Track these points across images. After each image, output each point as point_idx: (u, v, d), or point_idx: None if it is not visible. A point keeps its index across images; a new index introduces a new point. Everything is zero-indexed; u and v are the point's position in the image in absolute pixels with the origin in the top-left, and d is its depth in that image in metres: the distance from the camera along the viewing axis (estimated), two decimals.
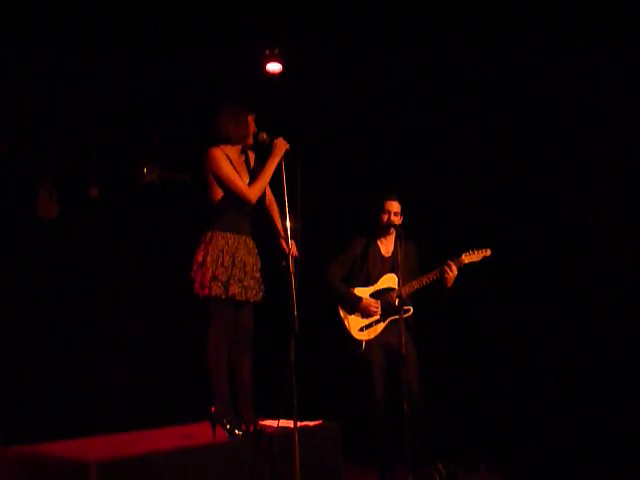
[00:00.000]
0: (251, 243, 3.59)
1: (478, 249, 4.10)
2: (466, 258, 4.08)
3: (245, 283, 3.46)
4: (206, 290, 3.38)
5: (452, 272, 4.03)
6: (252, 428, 3.38)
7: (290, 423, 3.14)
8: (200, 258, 3.44)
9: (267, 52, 5.13)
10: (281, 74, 5.21)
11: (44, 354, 4.89)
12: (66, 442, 3.27)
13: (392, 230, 4.20)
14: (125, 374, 5.36)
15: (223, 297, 3.39)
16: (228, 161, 3.50)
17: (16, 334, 4.76)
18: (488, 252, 4.10)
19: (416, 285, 4.08)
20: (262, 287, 3.60)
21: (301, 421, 3.28)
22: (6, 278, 4.74)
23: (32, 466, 2.93)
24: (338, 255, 4.25)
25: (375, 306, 4.09)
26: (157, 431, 3.68)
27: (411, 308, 4.12)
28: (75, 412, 4.78)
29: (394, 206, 4.20)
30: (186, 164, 5.38)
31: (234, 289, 3.40)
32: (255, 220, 3.68)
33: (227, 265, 3.40)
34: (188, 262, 3.60)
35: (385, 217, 4.18)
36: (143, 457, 2.89)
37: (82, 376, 5.04)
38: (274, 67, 5.19)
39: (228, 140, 3.55)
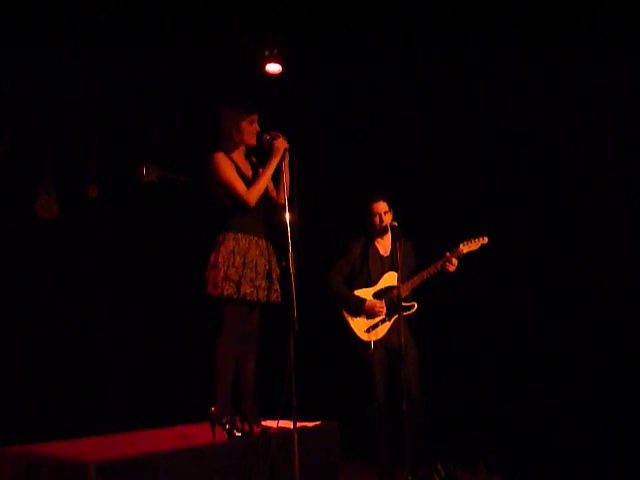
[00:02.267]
0: (263, 244, 3.57)
1: (475, 238, 4.09)
2: (464, 248, 4.07)
3: (257, 283, 3.46)
4: (219, 290, 3.38)
5: (453, 264, 4.03)
6: (254, 428, 3.40)
7: (289, 423, 3.15)
8: (212, 259, 3.46)
9: (267, 52, 5.13)
10: (281, 74, 5.21)
11: (44, 354, 4.89)
12: (66, 442, 3.27)
13: (388, 230, 4.20)
14: (125, 374, 5.36)
15: (235, 297, 3.39)
16: (230, 165, 3.51)
17: (16, 334, 4.76)
18: (485, 240, 4.09)
19: (417, 280, 4.08)
20: (276, 288, 3.57)
21: (300, 421, 3.28)
22: (5, 277, 4.74)
23: (31, 466, 2.93)
24: (337, 260, 4.24)
25: (380, 306, 4.08)
26: (157, 431, 3.69)
27: (415, 304, 4.11)
28: (75, 412, 4.78)
29: (381, 207, 4.20)
30: (185, 164, 5.39)
31: (245, 289, 3.40)
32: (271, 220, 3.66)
33: (238, 265, 3.40)
34: (187, 262, 3.60)
35: (377, 219, 4.19)
36: (143, 457, 2.89)
37: (82, 376, 5.04)
38: (274, 67, 5.18)
39: (230, 144, 3.56)
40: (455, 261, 4.04)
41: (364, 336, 4.09)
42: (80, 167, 5.20)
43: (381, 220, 4.18)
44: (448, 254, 4.05)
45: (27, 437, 3.34)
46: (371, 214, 4.21)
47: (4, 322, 4.69)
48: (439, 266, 4.05)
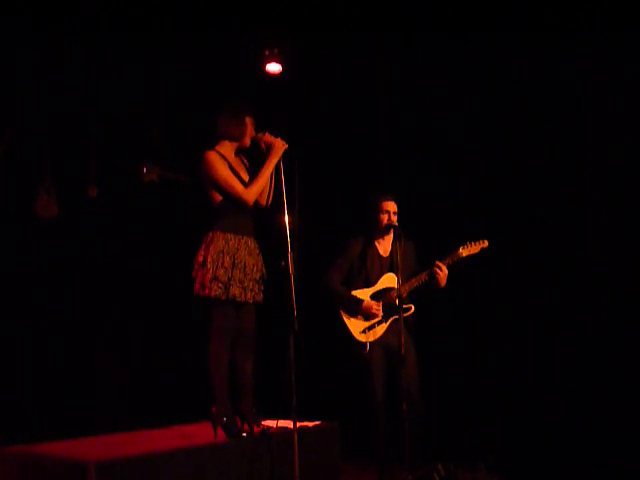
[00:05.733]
0: (252, 244, 3.55)
1: (475, 241, 4.08)
2: (464, 251, 4.05)
3: (245, 284, 3.43)
4: (207, 290, 3.35)
5: (442, 272, 4.01)
6: (254, 428, 3.40)
7: (289, 423, 3.15)
8: (201, 258, 3.41)
9: (267, 52, 5.13)
10: (281, 74, 5.21)
11: (44, 354, 4.89)
12: (65, 442, 3.28)
13: (390, 230, 4.19)
14: (125, 374, 5.36)
15: (223, 298, 3.37)
16: (224, 163, 3.48)
17: (16, 334, 4.77)
18: (486, 243, 4.07)
19: (415, 282, 4.06)
20: (262, 288, 3.56)
21: (300, 421, 3.28)
22: (5, 278, 4.75)
23: (31, 466, 2.94)
24: (335, 259, 4.22)
25: (376, 308, 4.06)
26: (157, 431, 3.69)
27: (412, 306, 4.10)
28: (75, 412, 4.79)
29: (392, 206, 4.18)
30: (185, 163, 5.39)
31: (234, 290, 3.38)
32: (257, 221, 3.66)
33: (227, 266, 3.37)
34: (187, 262, 3.60)
35: (385, 217, 4.17)
36: (143, 457, 2.90)
37: (82, 376, 5.04)
38: (274, 67, 5.19)
39: (224, 137, 3.55)
40: (445, 268, 3.99)
41: (360, 337, 4.07)
42: (80, 167, 5.20)
43: (389, 218, 4.16)
44: (437, 262, 4.01)
45: (27, 437, 3.35)
46: (379, 210, 4.17)
47: (4, 322, 4.69)
48: (427, 275, 4.02)
